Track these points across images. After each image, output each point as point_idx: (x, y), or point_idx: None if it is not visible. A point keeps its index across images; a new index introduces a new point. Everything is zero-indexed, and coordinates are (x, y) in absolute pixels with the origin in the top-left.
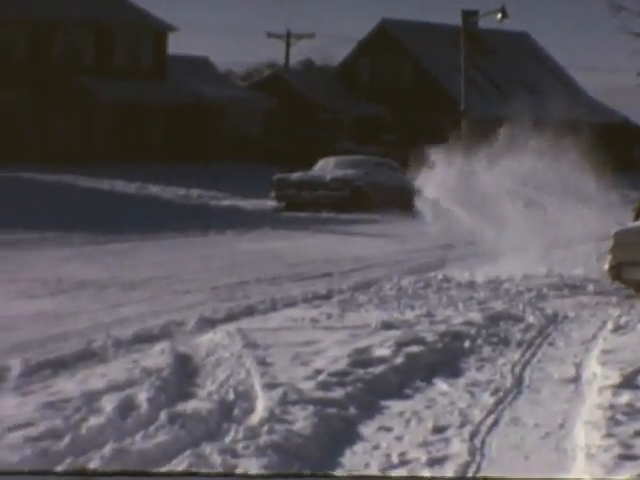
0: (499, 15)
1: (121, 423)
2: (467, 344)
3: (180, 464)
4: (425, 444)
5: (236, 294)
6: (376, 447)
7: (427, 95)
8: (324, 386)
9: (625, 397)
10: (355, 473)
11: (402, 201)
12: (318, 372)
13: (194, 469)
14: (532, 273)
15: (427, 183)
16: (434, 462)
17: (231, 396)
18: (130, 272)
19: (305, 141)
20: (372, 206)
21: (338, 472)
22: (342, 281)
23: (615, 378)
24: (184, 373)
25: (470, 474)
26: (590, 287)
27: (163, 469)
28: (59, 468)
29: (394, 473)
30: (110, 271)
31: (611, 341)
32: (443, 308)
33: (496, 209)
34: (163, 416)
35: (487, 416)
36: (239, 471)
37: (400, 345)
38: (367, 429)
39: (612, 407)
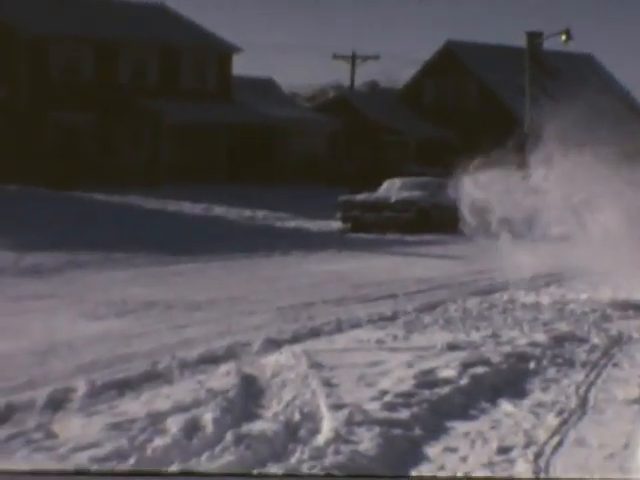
0: (563, 37)
1: (187, 444)
2: (532, 365)
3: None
4: (490, 464)
5: (301, 315)
6: (441, 467)
7: (492, 117)
8: (389, 407)
9: None
10: (355, 473)
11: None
12: (384, 393)
13: (194, 469)
14: (597, 294)
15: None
16: None
17: (297, 417)
18: (195, 293)
19: (370, 162)
20: (437, 228)
21: (338, 472)
22: (407, 302)
23: None
24: (250, 394)
25: None
26: None
27: (164, 468)
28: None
29: None
30: (175, 292)
31: None
32: (508, 329)
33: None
34: (229, 437)
35: (552, 437)
36: (239, 471)
37: (465, 366)
38: (432, 450)
39: None
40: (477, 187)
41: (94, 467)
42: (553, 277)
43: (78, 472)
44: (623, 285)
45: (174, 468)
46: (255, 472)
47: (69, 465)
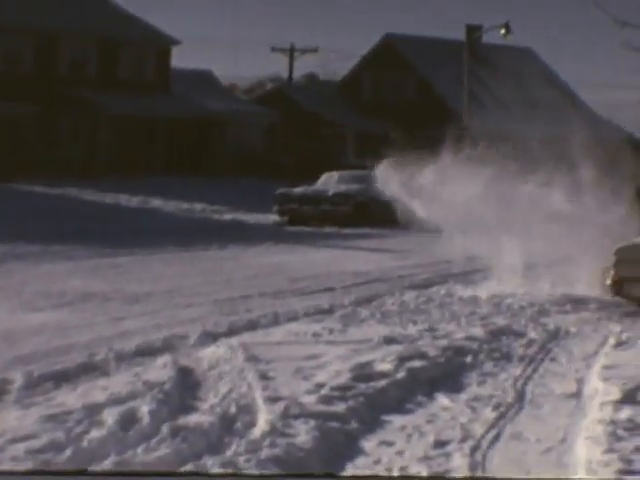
0: (503, 30)
1: (123, 436)
2: (469, 359)
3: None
4: (426, 458)
5: (238, 308)
6: (377, 461)
7: (430, 110)
8: (326, 400)
9: (626, 412)
10: (355, 473)
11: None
12: (320, 386)
13: (194, 469)
14: (534, 289)
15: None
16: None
17: (233, 410)
18: (133, 285)
19: (308, 155)
20: (374, 221)
21: (338, 472)
22: (344, 296)
23: (616, 394)
24: (186, 386)
25: None
26: (592, 303)
27: (164, 469)
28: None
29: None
30: (113, 284)
31: (613, 357)
32: (445, 323)
33: (495, 224)
34: (165, 429)
35: (488, 431)
36: (239, 471)
37: (402, 360)
38: (368, 443)
39: (613, 422)
40: (393, 183)
41: (93, 467)
42: (486, 271)
43: (78, 472)
44: (557, 280)
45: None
46: (255, 472)
47: (4, 458)
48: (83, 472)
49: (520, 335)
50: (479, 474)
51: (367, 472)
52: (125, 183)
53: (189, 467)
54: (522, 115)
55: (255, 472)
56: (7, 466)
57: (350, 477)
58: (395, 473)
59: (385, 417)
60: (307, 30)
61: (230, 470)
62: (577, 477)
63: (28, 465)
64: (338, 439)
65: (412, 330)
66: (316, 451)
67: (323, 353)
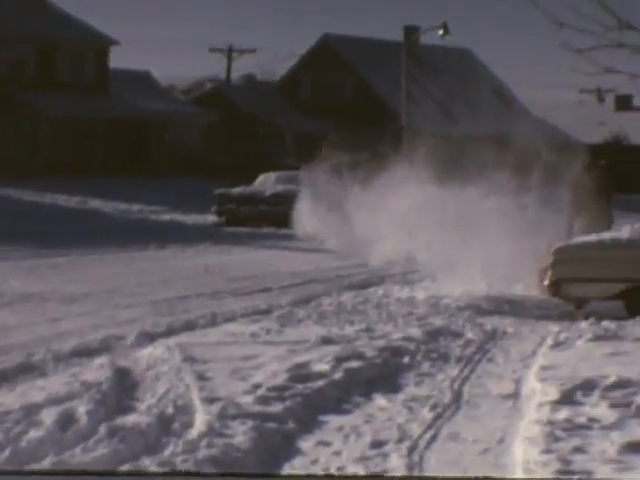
0: (440, 31)
1: (61, 436)
2: (406, 359)
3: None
4: (363, 459)
5: (176, 309)
6: (315, 462)
7: (368, 110)
8: (263, 401)
9: (563, 413)
10: (355, 473)
11: None
12: (257, 387)
13: (194, 469)
14: (472, 289)
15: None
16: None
17: (170, 410)
18: (71, 286)
19: (246, 156)
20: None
21: (338, 473)
22: (281, 296)
23: (554, 394)
24: (123, 387)
25: None
26: (529, 303)
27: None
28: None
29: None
30: (51, 285)
31: (550, 357)
32: (383, 323)
33: (433, 225)
34: (103, 429)
35: (425, 431)
36: (239, 471)
37: (339, 360)
38: (306, 444)
39: (551, 423)
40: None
41: (94, 467)
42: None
43: (78, 472)
44: (496, 280)
45: (127, 467)
46: (256, 473)
47: None
48: (83, 472)
49: (457, 335)
50: (479, 475)
51: (367, 473)
52: (64, 184)
53: (128, 467)
54: (460, 116)
55: (255, 472)
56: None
57: (350, 477)
58: (334, 473)
59: (322, 417)
60: (245, 31)
61: (228, 470)
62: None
63: None
64: (275, 439)
65: (349, 331)
66: (253, 451)
67: (260, 353)
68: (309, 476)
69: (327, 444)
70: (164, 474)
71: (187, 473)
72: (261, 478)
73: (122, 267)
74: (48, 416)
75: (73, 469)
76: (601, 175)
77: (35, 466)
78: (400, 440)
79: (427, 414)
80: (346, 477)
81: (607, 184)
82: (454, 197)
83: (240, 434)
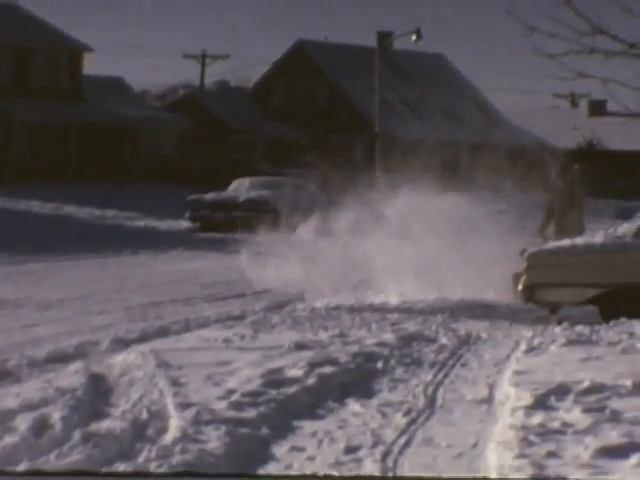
0: (414, 37)
1: (35, 442)
2: (380, 365)
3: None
4: (337, 464)
5: (150, 315)
6: (288, 467)
7: (342, 116)
8: (237, 406)
9: (537, 418)
10: (355, 474)
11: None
12: (231, 392)
13: (193, 469)
14: (445, 295)
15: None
16: None
17: (144, 416)
18: (45, 292)
19: (219, 162)
20: (286, 227)
21: (338, 473)
22: (255, 302)
23: (528, 399)
24: (98, 393)
25: None
26: (503, 308)
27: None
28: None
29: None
30: (25, 291)
31: (524, 362)
32: (356, 329)
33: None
34: (77, 435)
35: (399, 436)
36: (238, 472)
37: (313, 366)
38: (280, 449)
39: (525, 428)
40: None
41: (93, 467)
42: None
43: (78, 472)
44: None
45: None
46: (256, 473)
47: None
48: (82, 472)
49: (431, 341)
50: (480, 475)
51: (367, 473)
52: (38, 190)
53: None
54: (434, 121)
55: (256, 472)
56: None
57: (350, 477)
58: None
59: (296, 423)
60: (219, 37)
61: (230, 471)
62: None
63: None
64: (249, 445)
65: (323, 336)
66: (227, 456)
67: (234, 359)
68: (309, 476)
69: (301, 449)
70: (164, 474)
71: (183, 473)
72: (261, 479)
73: (97, 273)
74: (22, 422)
75: (71, 470)
76: (573, 180)
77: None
78: (374, 445)
79: (401, 419)
80: (347, 477)
81: (579, 189)
82: (428, 203)
83: (214, 439)
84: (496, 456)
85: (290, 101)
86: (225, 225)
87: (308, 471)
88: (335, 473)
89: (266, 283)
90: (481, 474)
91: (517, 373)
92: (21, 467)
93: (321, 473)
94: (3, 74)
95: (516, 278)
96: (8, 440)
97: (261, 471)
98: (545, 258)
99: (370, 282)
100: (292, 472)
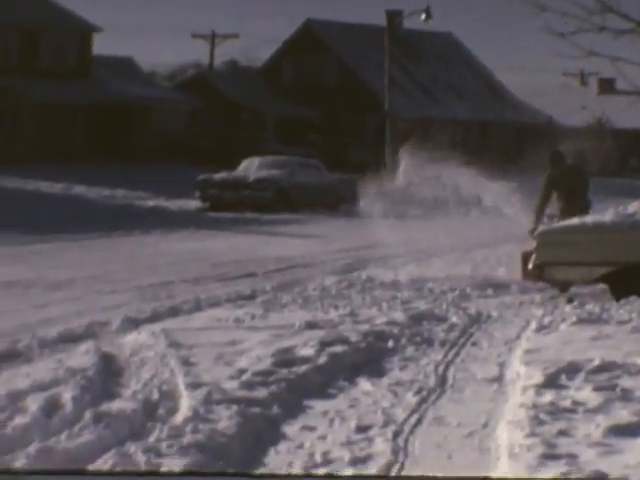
0: (423, 15)
1: (46, 422)
2: (390, 344)
3: (105, 463)
4: (348, 443)
5: (160, 294)
6: (299, 446)
7: (352, 96)
8: (248, 386)
9: (548, 397)
10: (356, 473)
11: (326, 201)
12: (242, 372)
13: (193, 469)
14: (455, 273)
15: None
16: (357, 461)
17: (155, 395)
18: (55, 272)
19: (229, 141)
20: (296, 206)
21: (338, 473)
22: (266, 281)
23: (538, 378)
24: (109, 373)
25: (393, 473)
26: (514, 287)
27: (163, 469)
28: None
29: (318, 471)
30: (35, 271)
31: (534, 341)
32: (367, 308)
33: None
34: (88, 415)
35: (410, 415)
36: (239, 471)
37: (323, 345)
38: (290, 428)
39: (535, 406)
40: None
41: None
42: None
43: (78, 472)
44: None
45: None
46: (256, 472)
47: None
48: (83, 472)
49: (441, 319)
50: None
51: (367, 473)
52: (48, 170)
53: (113, 453)
54: (444, 100)
55: (255, 472)
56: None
57: (350, 477)
58: (317, 458)
59: (307, 402)
60: (228, 16)
61: (232, 470)
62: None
63: None
64: (260, 424)
65: (333, 315)
66: (238, 436)
67: (245, 339)
68: (309, 476)
69: (312, 429)
70: (164, 474)
71: (187, 473)
72: (262, 479)
73: (106, 253)
74: (33, 402)
75: (71, 470)
76: (579, 159)
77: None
78: (385, 424)
79: (412, 398)
80: (347, 477)
81: (581, 171)
82: (439, 180)
83: (225, 419)
84: (507, 435)
85: (300, 80)
86: (235, 205)
87: (318, 451)
88: (346, 453)
89: None
90: (492, 453)
91: (527, 352)
92: (31, 449)
93: (321, 472)
94: (12, 55)
95: (525, 257)
96: (19, 420)
97: (271, 451)
98: (555, 236)
99: (379, 261)
100: (301, 451)
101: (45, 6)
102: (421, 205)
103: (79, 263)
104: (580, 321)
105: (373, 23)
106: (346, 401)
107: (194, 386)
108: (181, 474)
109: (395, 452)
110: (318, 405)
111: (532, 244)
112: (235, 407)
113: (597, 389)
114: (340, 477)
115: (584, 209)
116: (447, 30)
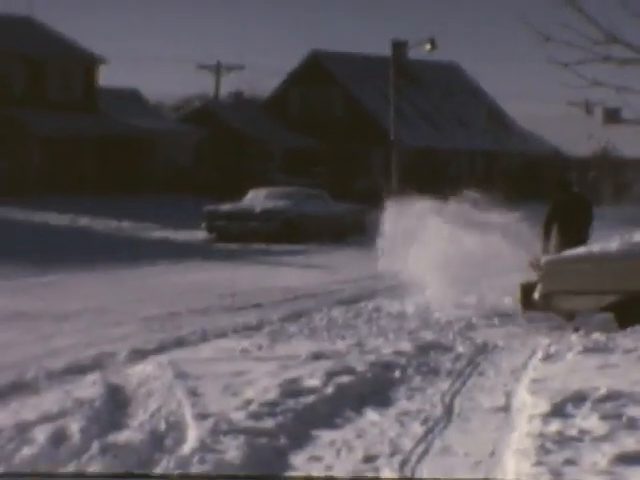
0: (428, 46)
1: (54, 453)
2: (397, 374)
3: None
4: (355, 473)
5: (167, 325)
6: (307, 478)
7: (358, 126)
8: (255, 416)
9: (554, 425)
10: (355, 475)
11: (333, 232)
12: (249, 402)
13: (193, 472)
14: (462, 303)
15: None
16: None
17: (162, 426)
18: (62, 303)
19: (235, 172)
20: (302, 237)
21: (339, 473)
22: (273, 312)
23: (545, 407)
24: (116, 404)
25: None
26: (519, 316)
27: (160, 471)
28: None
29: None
30: (42, 303)
31: (541, 370)
32: (373, 338)
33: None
34: (95, 446)
35: (417, 445)
36: (237, 474)
37: (330, 375)
38: (298, 459)
39: (542, 435)
40: None
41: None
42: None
43: (78, 473)
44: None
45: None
46: (256, 473)
47: None
48: (83, 474)
49: (448, 349)
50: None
51: (367, 473)
52: (54, 202)
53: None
54: (449, 130)
55: (255, 473)
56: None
57: (350, 478)
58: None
59: (314, 432)
60: (233, 48)
61: (229, 473)
62: None
63: None
64: (267, 455)
65: (340, 345)
66: (245, 467)
67: (252, 369)
68: (309, 477)
69: (319, 459)
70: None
71: (186, 476)
72: (262, 478)
73: (113, 284)
74: (41, 433)
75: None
76: (576, 191)
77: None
78: (392, 454)
79: (418, 428)
80: (346, 478)
81: (584, 200)
82: (444, 211)
83: (232, 449)
84: (514, 464)
85: (305, 111)
86: (242, 236)
87: None
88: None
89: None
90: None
91: (534, 381)
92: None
93: (321, 475)
94: (18, 86)
95: (524, 288)
96: (26, 451)
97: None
98: (562, 265)
99: (386, 291)
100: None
101: (50, 38)
102: None
103: (86, 294)
104: (586, 350)
105: (378, 53)
106: (353, 431)
107: (201, 417)
108: (180, 477)
109: None
110: (325, 435)
111: (531, 275)
112: (242, 437)
113: (603, 418)
114: (340, 478)
115: (584, 240)
116: (452, 60)
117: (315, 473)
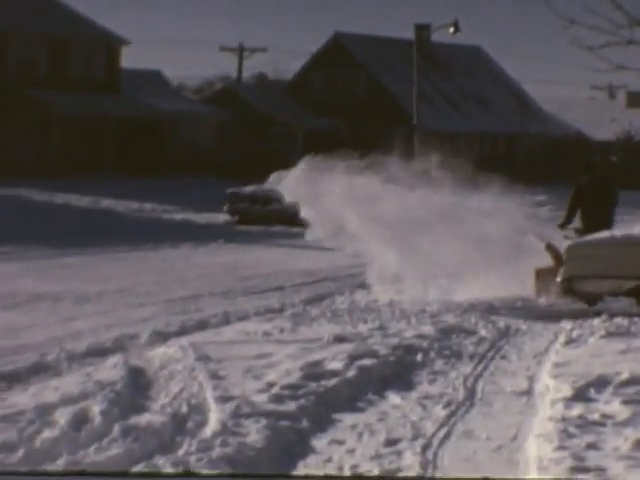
0: (451, 29)
1: (75, 436)
2: (419, 357)
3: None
4: (377, 457)
5: (189, 307)
6: (328, 460)
7: (380, 108)
8: (277, 399)
9: (577, 410)
10: (356, 474)
11: None
12: (271, 385)
13: (194, 469)
14: (483, 287)
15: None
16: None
17: (184, 409)
18: (84, 285)
19: (258, 154)
20: None
21: (338, 473)
22: (294, 295)
23: (567, 391)
24: (137, 386)
25: None
26: (542, 300)
27: (165, 470)
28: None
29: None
30: (64, 285)
31: (563, 354)
32: (396, 321)
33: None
34: (116, 429)
35: (439, 429)
36: (239, 472)
37: (352, 358)
38: (319, 442)
39: (564, 420)
40: None
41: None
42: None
43: (78, 473)
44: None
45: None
46: (255, 473)
47: None
48: (83, 473)
49: (470, 333)
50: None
51: (367, 473)
52: (76, 183)
53: (141, 467)
54: (471, 113)
55: (256, 472)
56: (7, 466)
57: (350, 478)
58: (346, 472)
59: (336, 415)
60: (257, 29)
61: (230, 471)
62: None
63: None
64: (289, 438)
65: (362, 329)
66: (267, 450)
67: (274, 352)
68: (308, 476)
69: (341, 442)
70: (164, 475)
71: (182, 474)
72: (262, 479)
73: (135, 266)
74: (62, 416)
75: (71, 470)
76: (603, 175)
77: (50, 467)
78: (414, 438)
79: (440, 412)
80: (348, 478)
81: (610, 184)
82: (466, 196)
83: (254, 432)
84: (536, 448)
85: (328, 93)
86: (263, 218)
87: (347, 464)
88: (374, 466)
89: None
90: (520, 468)
91: (556, 365)
92: (60, 462)
93: (321, 473)
94: (40, 66)
95: (538, 274)
96: (48, 434)
97: (301, 464)
98: (583, 250)
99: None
100: (330, 465)
101: (73, 19)
102: None
103: (108, 276)
104: (608, 334)
105: (401, 36)
106: (375, 414)
107: (223, 399)
108: (181, 475)
109: (424, 466)
110: (347, 418)
111: (547, 260)
112: (264, 420)
113: (626, 402)
114: (340, 477)
115: (608, 223)
116: (475, 43)
117: (336, 456)
